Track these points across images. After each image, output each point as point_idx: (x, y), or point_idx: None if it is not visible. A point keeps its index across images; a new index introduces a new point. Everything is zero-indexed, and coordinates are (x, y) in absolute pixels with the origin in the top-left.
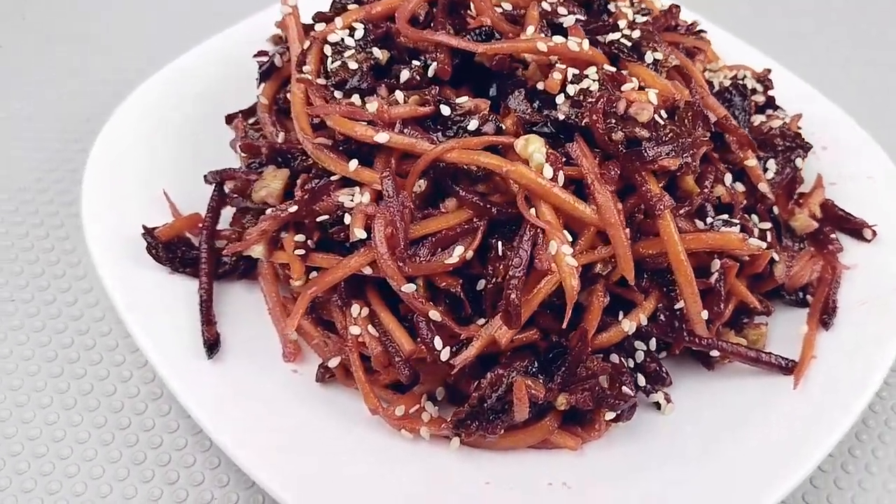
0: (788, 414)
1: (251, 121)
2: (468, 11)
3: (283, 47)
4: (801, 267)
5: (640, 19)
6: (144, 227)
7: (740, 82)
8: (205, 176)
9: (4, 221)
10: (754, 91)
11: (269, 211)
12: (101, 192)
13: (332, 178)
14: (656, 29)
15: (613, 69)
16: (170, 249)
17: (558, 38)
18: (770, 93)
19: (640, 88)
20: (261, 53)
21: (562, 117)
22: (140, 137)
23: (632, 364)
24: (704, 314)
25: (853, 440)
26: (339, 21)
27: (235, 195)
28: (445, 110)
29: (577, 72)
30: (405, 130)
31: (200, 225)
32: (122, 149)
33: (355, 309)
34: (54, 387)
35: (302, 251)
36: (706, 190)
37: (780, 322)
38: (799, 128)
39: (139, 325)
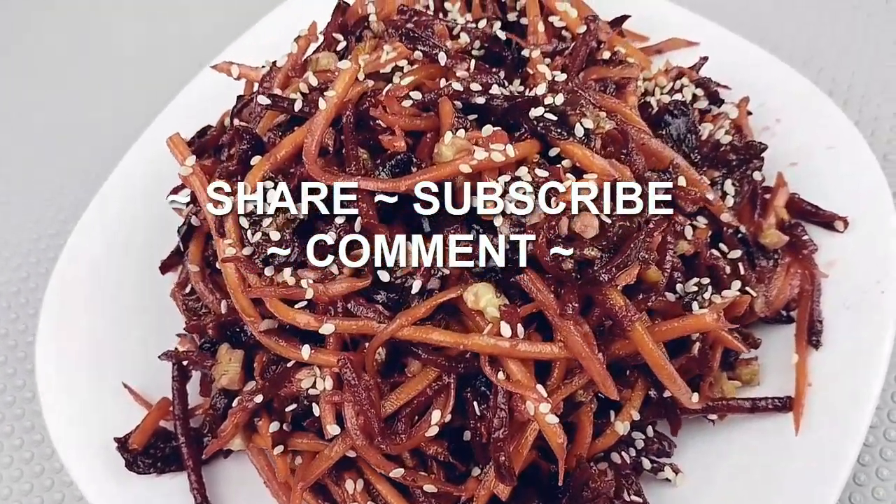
0: (796, 454)
1: (187, 289)
2: (377, 123)
3: (196, 206)
4: (780, 288)
5: (561, 77)
6: (117, 441)
7: (680, 99)
8: (160, 356)
9: None
10: (695, 98)
11: (235, 402)
12: (60, 400)
13: (290, 362)
14: (577, 64)
15: (545, 174)
16: (148, 454)
17: (480, 155)
18: (712, 76)
19: (578, 174)
20: (175, 190)
21: (506, 246)
22: (80, 311)
23: (633, 453)
24: (695, 397)
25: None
26: (244, 186)
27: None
28: (384, 276)
29: (508, 178)
30: (349, 305)
31: (171, 409)
32: (65, 335)
33: (350, 485)
34: None
35: (281, 447)
36: (669, 259)
37: (770, 343)
38: (749, 113)
39: None
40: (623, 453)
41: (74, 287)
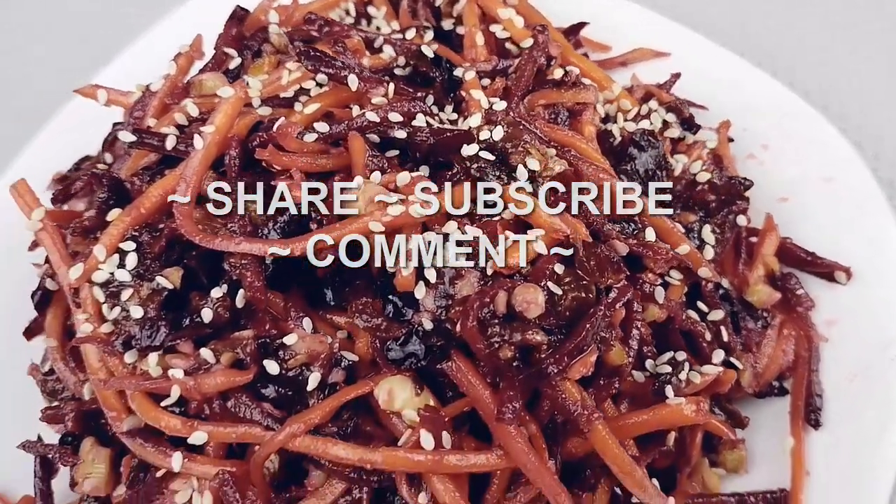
0: None
1: (46, 367)
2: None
3: (50, 268)
4: (771, 356)
5: (500, 106)
6: None
7: (647, 128)
8: (18, 446)
9: None
10: (666, 125)
11: None
12: None
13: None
14: (522, 86)
15: (477, 233)
16: None
17: (394, 210)
18: (687, 94)
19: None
20: (33, 245)
21: (429, 326)
22: None
23: None
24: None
25: None
26: (99, 250)
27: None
28: (272, 367)
29: (433, 237)
30: (229, 403)
31: None
32: None
33: None
34: None
35: None
36: (636, 333)
37: (761, 422)
38: (731, 139)
39: None
40: None
41: None
